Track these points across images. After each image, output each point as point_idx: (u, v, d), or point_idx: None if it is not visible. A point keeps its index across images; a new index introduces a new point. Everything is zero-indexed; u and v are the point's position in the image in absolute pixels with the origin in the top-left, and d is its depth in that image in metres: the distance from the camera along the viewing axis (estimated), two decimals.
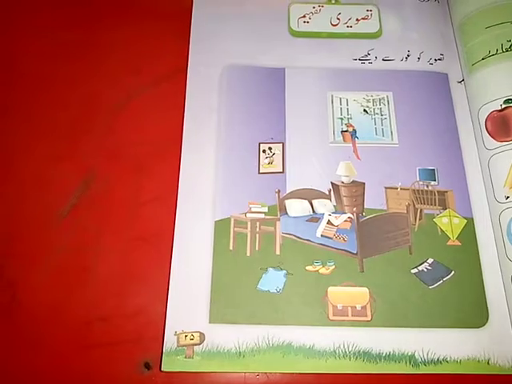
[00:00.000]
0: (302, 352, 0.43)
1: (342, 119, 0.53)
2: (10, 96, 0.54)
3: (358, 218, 0.48)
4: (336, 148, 0.51)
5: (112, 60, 0.56)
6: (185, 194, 0.48)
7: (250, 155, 0.51)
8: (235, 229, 0.47)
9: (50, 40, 0.57)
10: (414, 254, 0.47)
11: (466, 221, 0.48)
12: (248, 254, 0.46)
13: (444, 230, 0.48)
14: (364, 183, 0.50)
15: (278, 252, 0.47)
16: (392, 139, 0.52)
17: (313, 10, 0.58)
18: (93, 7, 0.59)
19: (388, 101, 0.53)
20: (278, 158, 0.51)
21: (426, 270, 0.46)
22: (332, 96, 0.54)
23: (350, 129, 0.52)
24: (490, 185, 0.48)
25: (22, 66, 0.56)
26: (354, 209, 0.49)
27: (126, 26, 0.58)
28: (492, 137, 0.48)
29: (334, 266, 0.46)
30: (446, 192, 0.49)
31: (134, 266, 0.46)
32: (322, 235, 0.48)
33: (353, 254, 0.46)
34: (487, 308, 0.44)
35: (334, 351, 0.43)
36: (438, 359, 0.43)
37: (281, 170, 0.50)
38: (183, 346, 0.43)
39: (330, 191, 0.50)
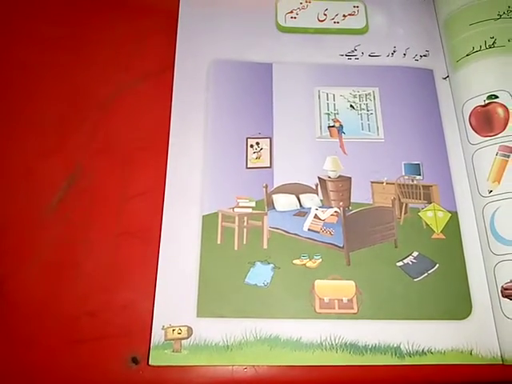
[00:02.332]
0: (290, 345, 0.43)
1: (328, 114, 0.53)
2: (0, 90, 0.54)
3: (344, 212, 0.48)
4: (323, 143, 0.52)
5: (100, 56, 0.56)
6: (172, 189, 0.48)
7: (238, 150, 0.51)
8: (223, 223, 0.48)
9: (38, 36, 0.56)
10: (400, 247, 0.47)
11: (450, 214, 0.49)
12: (236, 248, 0.47)
13: (429, 223, 0.48)
14: (350, 178, 0.50)
15: (265, 246, 0.47)
16: (378, 134, 0.52)
17: (300, 6, 0.58)
18: (81, 3, 0.58)
19: (374, 96, 0.54)
20: (265, 153, 0.51)
21: (411, 263, 0.46)
22: (319, 91, 0.54)
23: (337, 124, 0.53)
24: (474, 179, 0.48)
25: (11, 61, 0.55)
26: (341, 203, 0.49)
27: (113, 22, 0.57)
28: (476, 132, 0.49)
29: (320, 260, 0.46)
30: (431, 186, 0.50)
31: (121, 261, 0.46)
32: (308, 229, 0.48)
33: (339, 247, 0.47)
34: (470, 300, 0.45)
35: (321, 344, 0.43)
36: (422, 350, 0.43)
37: (268, 165, 0.51)
38: (171, 339, 0.43)
39: (316, 186, 0.50)
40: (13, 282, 0.45)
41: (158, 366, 0.42)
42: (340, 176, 0.50)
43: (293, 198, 0.50)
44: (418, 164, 0.51)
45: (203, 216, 0.48)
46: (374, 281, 0.46)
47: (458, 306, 0.45)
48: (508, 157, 0.47)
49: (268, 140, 0.52)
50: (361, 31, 0.57)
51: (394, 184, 0.50)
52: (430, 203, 0.49)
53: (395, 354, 0.43)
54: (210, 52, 0.55)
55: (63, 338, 0.43)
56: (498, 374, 0.43)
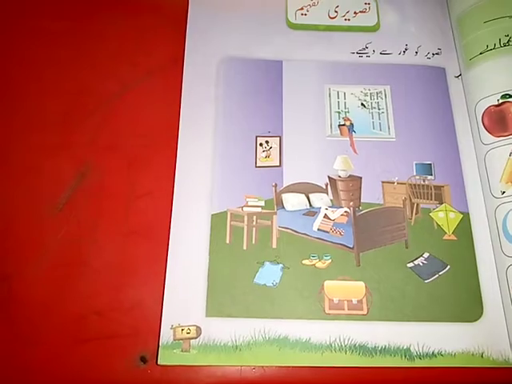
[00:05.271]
0: (298, 345, 0.43)
1: (339, 113, 0.53)
2: (4, 87, 0.53)
3: (354, 212, 0.48)
4: (333, 142, 0.51)
5: (108, 51, 0.55)
6: (181, 187, 0.48)
7: (247, 149, 0.51)
8: (232, 222, 0.47)
9: (43, 31, 0.56)
10: (410, 248, 0.47)
11: (461, 215, 0.48)
12: (244, 248, 0.46)
13: (440, 224, 0.48)
14: (361, 177, 0.50)
15: (274, 246, 0.47)
16: (389, 133, 0.52)
17: (310, 3, 0.57)
18: None
19: (385, 95, 0.53)
20: (275, 152, 0.51)
21: (421, 264, 0.46)
22: (329, 89, 0.53)
23: (348, 123, 0.52)
24: (486, 180, 0.48)
25: (15, 57, 0.55)
26: (351, 203, 0.49)
27: (122, 17, 0.57)
28: (489, 132, 0.49)
29: (330, 260, 0.46)
30: (443, 186, 0.49)
31: (130, 260, 0.46)
32: (318, 229, 0.48)
33: (349, 248, 0.47)
34: (482, 302, 0.45)
35: (330, 345, 0.43)
36: (432, 353, 0.43)
37: (278, 164, 0.50)
38: (180, 339, 0.43)
39: (326, 185, 0.50)
40: (20, 280, 0.45)
41: (167, 366, 0.42)
42: (350, 175, 0.50)
43: (302, 197, 0.50)
44: (430, 164, 0.50)
45: (212, 215, 0.47)
46: (384, 282, 0.45)
47: (469, 308, 0.45)
48: None
49: (277, 138, 0.51)
50: (372, 28, 0.56)
51: (405, 184, 0.49)
52: (442, 204, 0.49)
53: (405, 356, 0.43)
54: (219, 49, 0.54)
55: (70, 337, 0.43)
56: (509, 378, 0.43)
